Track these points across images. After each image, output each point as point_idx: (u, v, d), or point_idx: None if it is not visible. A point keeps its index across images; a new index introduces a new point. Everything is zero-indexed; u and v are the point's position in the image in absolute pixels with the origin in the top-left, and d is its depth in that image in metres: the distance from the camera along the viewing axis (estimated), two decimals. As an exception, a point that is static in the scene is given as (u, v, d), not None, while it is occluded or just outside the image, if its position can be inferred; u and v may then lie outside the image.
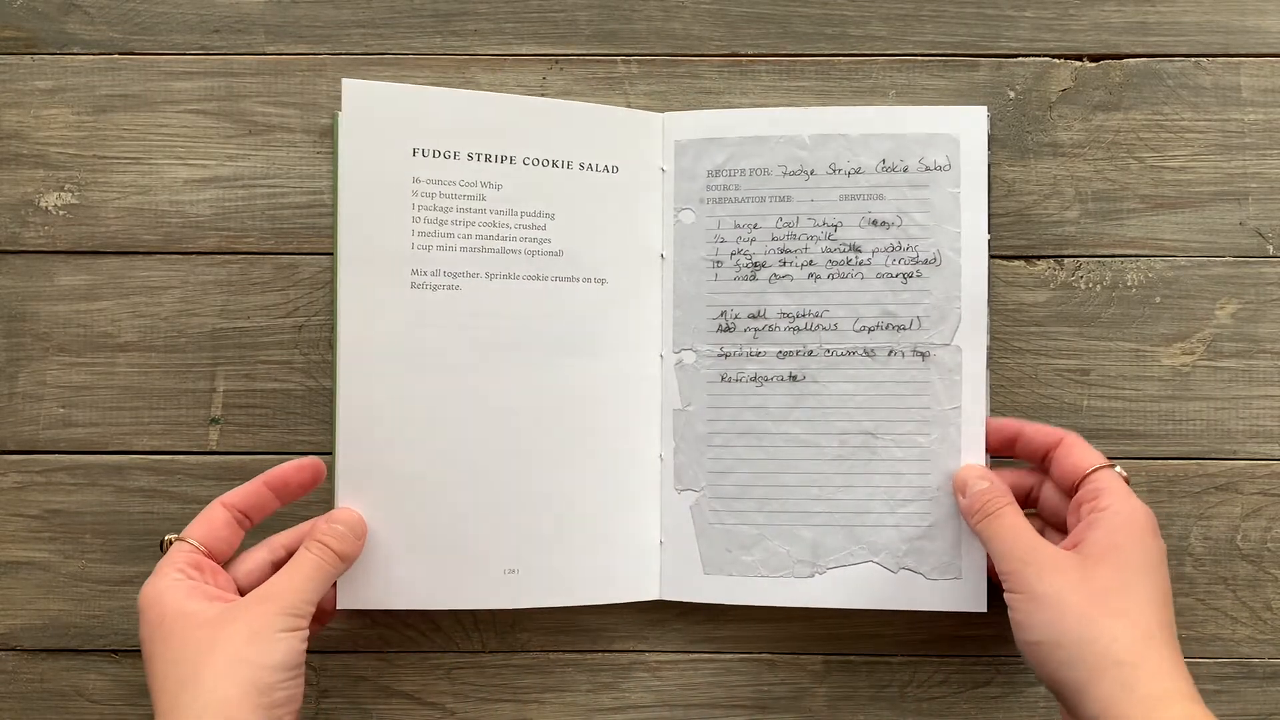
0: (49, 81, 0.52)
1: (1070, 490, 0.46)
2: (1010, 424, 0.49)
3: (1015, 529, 0.44)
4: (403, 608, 0.49)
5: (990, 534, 0.45)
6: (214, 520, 0.45)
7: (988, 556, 0.47)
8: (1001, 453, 0.49)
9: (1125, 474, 0.46)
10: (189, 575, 0.43)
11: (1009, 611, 0.43)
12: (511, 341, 0.50)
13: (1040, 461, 0.48)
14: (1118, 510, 0.43)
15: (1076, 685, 0.40)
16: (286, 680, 0.41)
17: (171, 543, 0.44)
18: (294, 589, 0.43)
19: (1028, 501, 0.49)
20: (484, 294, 0.49)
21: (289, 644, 0.41)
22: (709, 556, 0.50)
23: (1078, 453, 0.46)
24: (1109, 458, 0.46)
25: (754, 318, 0.50)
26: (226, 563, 0.46)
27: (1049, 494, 0.48)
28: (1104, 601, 0.41)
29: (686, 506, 0.50)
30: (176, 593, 0.42)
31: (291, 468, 0.47)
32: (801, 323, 0.50)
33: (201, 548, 0.44)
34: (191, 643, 0.40)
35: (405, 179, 0.48)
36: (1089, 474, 0.45)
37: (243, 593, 0.44)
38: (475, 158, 0.49)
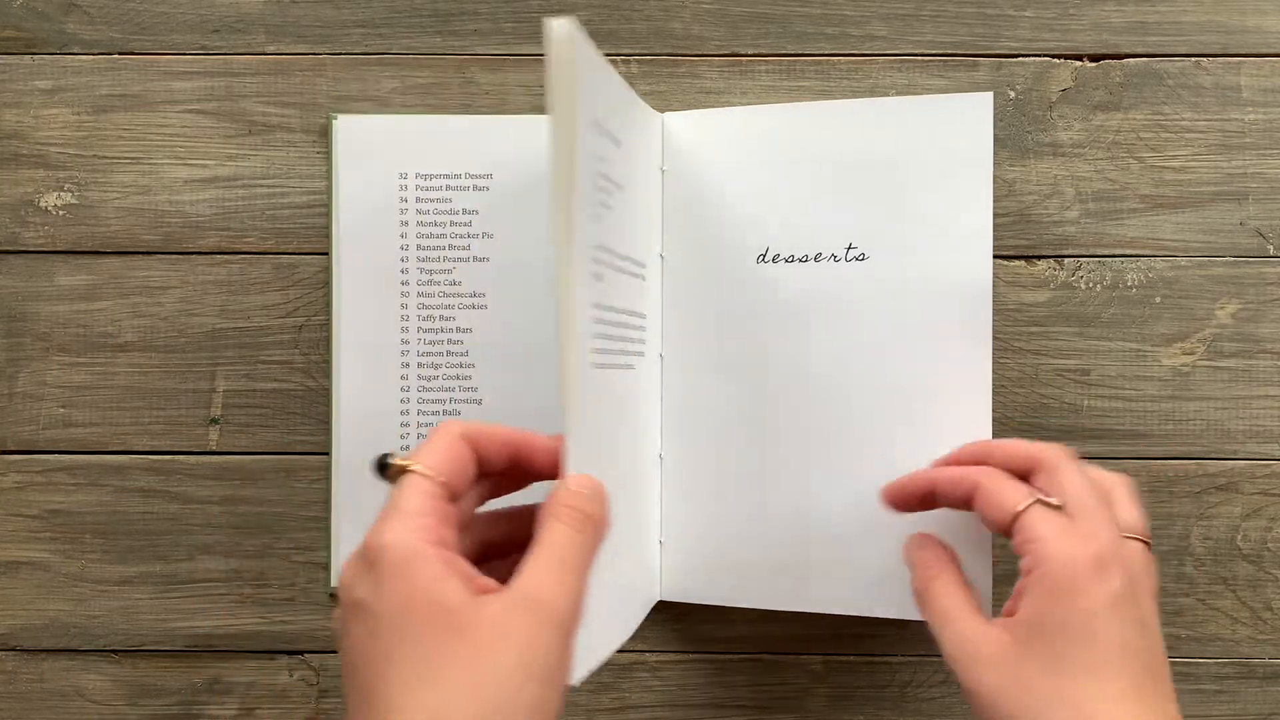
0: (49, 81, 0.52)
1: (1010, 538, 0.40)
2: (920, 478, 0.43)
3: (945, 613, 0.39)
4: None
5: (927, 618, 0.40)
6: (457, 455, 0.35)
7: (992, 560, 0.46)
8: (922, 509, 0.44)
9: (1057, 501, 0.38)
10: (438, 535, 0.33)
11: None
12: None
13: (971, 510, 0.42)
14: (1044, 569, 0.37)
15: None
16: (559, 697, 0.33)
17: (403, 470, 0.34)
18: (565, 589, 0.33)
19: None
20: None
21: (564, 659, 0.33)
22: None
23: (995, 498, 0.39)
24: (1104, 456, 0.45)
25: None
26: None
27: None
28: (1036, 690, 0.35)
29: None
30: (429, 569, 0.32)
31: (547, 441, 0.38)
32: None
33: (442, 492, 0.34)
34: (451, 649, 0.31)
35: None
36: (1014, 521, 0.38)
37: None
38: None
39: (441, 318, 0.51)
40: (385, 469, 0.35)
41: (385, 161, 0.51)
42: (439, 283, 0.51)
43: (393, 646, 0.31)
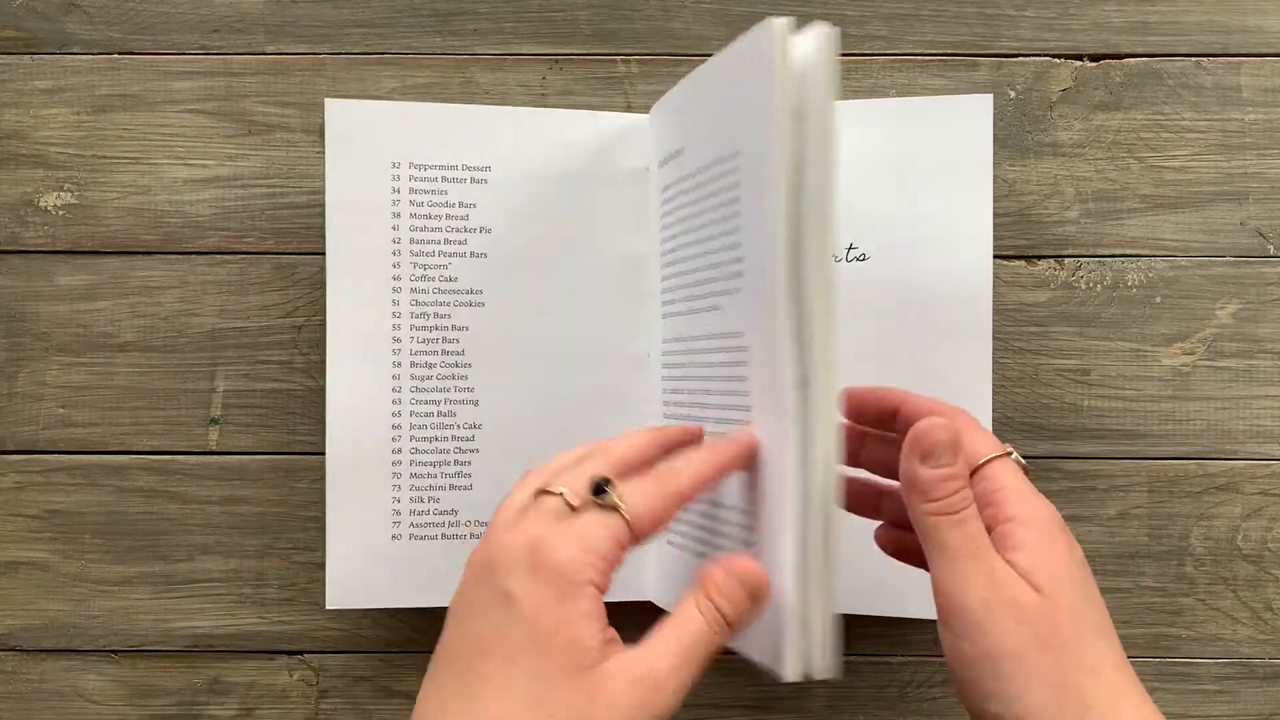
0: (49, 81, 0.53)
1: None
2: (894, 394, 0.40)
3: (978, 550, 0.34)
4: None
5: (943, 542, 0.35)
6: (664, 515, 0.35)
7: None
8: (876, 426, 0.42)
9: (1024, 462, 0.38)
10: (604, 580, 0.34)
11: (950, 661, 0.35)
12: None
13: None
14: (1023, 519, 0.35)
15: None
16: None
17: (614, 508, 0.34)
18: (676, 683, 0.33)
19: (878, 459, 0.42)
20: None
21: None
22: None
23: (975, 438, 0.37)
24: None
25: None
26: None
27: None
28: (1068, 658, 0.33)
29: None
30: (582, 605, 0.33)
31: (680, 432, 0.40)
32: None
33: (630, 543, 0.35)
34: (569, 686, 0.32)
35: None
36: (982, 466, 0.37)
37: None
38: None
39: (436, 315, 0.50)
40: (601, 493, 0.35)
41: (377, 150, 0.49)
42: (433, 278, 0.50)
43: (521, 655, 0.32)
